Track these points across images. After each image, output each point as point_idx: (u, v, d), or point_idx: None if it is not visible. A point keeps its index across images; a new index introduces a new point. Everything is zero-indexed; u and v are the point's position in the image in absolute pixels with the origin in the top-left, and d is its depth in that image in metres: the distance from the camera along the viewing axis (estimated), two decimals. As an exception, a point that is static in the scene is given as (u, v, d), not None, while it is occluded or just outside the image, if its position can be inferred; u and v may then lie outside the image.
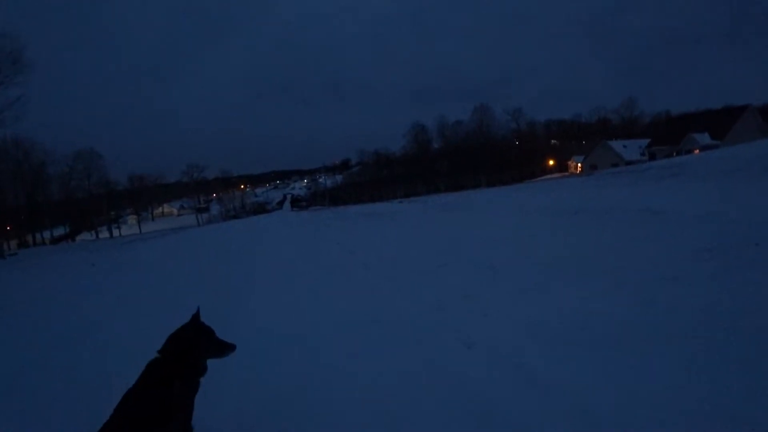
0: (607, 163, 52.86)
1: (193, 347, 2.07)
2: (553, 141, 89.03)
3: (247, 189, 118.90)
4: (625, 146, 57.65)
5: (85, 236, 58.91)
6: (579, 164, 61.81)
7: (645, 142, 56.80)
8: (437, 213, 14.14)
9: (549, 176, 58.34)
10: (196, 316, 2.14)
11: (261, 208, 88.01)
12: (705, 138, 41.43)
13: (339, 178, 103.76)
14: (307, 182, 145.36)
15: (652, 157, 46.68)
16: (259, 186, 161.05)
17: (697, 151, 38.38)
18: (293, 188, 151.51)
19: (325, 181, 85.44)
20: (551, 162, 71.40)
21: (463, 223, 10.93)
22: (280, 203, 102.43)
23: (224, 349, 2.18)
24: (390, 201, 33.28)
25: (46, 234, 54.69)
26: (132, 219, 70.91)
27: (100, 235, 56.30)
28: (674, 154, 41.32)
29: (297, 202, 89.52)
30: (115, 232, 59.17)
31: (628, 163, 47.79)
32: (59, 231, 58.86)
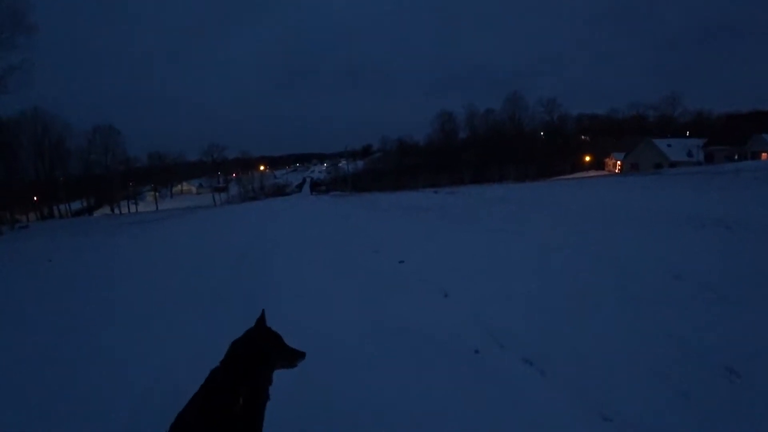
0: (649, 163, 49.21)
1: (261, 355, 1.69)
2: (583, 137, 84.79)
3: (267, 170, 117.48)
4: (669, 145, 53.30)
5: (104, 210, 58.96)
6: (618, 162, 57.91)
7: (691, 141, 52.78)
8: (502, 210, 11.37)
9: (586, 174, 54.70)
10: (261, 320, 1.79)
11: (280, 191, 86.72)
12: (776, 140, 37.40)
13: (360, 163, 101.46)
14: (327, 166, 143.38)
15: (710, 158, 42.66)
16: (279, 168, 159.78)
17: (765, 156, 34.53)
18: (312, 171, 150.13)
19: (347, 166, 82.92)
20: (587, 158, 67.30)
21: (581, 236, 6.77)
22: (300, 186, 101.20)
23: (294, 357, 1.78)
24: (420, 191, 30.73)
25: (68, 207, 54.95)
26: (150, 196, 70.27)
27: (116, 211, 56.41)
28: (735, 156, 37.50)
29: (317, 186, 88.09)
30: (133, 208, 58.71)
31: (673, 164, 44.05)
32: (80, 205, 59.30)
